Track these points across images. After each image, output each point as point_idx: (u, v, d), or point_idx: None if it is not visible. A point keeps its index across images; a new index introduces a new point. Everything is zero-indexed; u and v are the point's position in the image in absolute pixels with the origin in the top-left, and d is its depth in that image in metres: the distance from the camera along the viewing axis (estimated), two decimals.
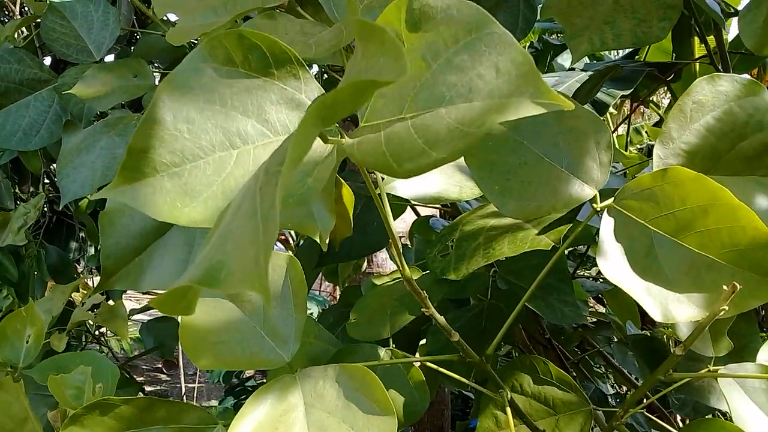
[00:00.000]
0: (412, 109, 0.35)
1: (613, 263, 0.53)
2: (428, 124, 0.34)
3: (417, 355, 0.94)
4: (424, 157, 0.34)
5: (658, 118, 2.23)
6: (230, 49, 0.37)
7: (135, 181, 0.35)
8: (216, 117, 0.36)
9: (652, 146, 0.58)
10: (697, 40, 1.16)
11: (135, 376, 1.80)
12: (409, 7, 0.35)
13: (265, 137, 0.36)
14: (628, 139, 1.94)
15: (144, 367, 4.79)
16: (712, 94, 0.58)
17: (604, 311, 1.57)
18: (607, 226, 0.54)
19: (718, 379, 0.57)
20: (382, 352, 0.71)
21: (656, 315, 0.50)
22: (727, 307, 0.48)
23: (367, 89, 0.28)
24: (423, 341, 0.95)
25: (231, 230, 0.29)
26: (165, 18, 1.10)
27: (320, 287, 3.99)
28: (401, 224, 1.63)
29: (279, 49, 0.37)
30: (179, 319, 0.58)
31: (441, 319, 0.58)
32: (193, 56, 0.37)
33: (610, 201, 0.55)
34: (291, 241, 1.94)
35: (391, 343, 0.76)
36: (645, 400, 0.67)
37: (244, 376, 3.32)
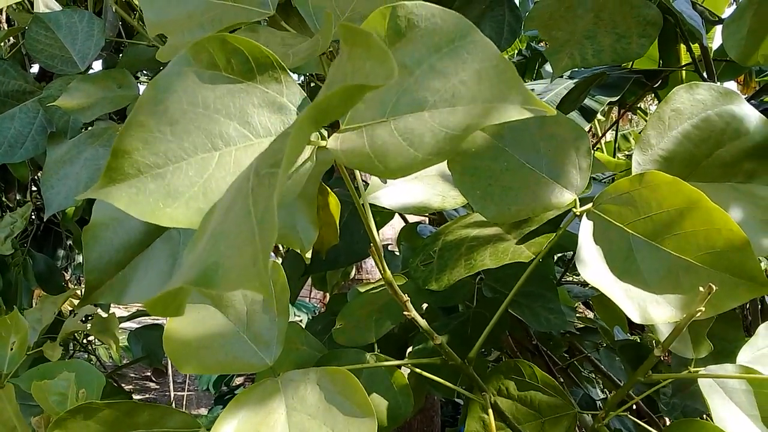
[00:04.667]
0: (394, 113, 0.36)
1: (592, 266, 0.53)
2: (411, 127, 0.35)
3: None
4: (409, 157, 0.35)
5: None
6: (214, 54, 0.37)
7: (119, 181, 0.35)
8: (199, 119, 0.36)
9: None
10: (683, 46, 1.17)
11: (123, 385, 1.79)
12: (393, 15, 0.36)
13: (246, 139, 0.37)
14: (616, 145, 1.96)
15: (132, 375, 4.75)
16: (690, 102, 0.59)
17: (592, 316, 1.58)
18: (586, 229, 0.55)
19: (699, 380, 0.57)
20: (368, 356, 0.71)
21: (634, 316, 0.51)
22: (703, 308, 0.49)
23: (357, 93, 0.29)
24: (411, 348, 0.96)
25: (223, 231, 0.30)
26: None
27: (310, 294, 3.99)
28: (390, 230, 1.64)
29: (261, 54, 0.37)
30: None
31: (423, 322, 0.58)
32: (178, 60, 0.37)
33: (588, 205, 0.55)
34: (280, 248, 1.94)
35: (376, 348, 0.77)
36: (630, 402, 0.67)
37: (234, 384, 3.31)
